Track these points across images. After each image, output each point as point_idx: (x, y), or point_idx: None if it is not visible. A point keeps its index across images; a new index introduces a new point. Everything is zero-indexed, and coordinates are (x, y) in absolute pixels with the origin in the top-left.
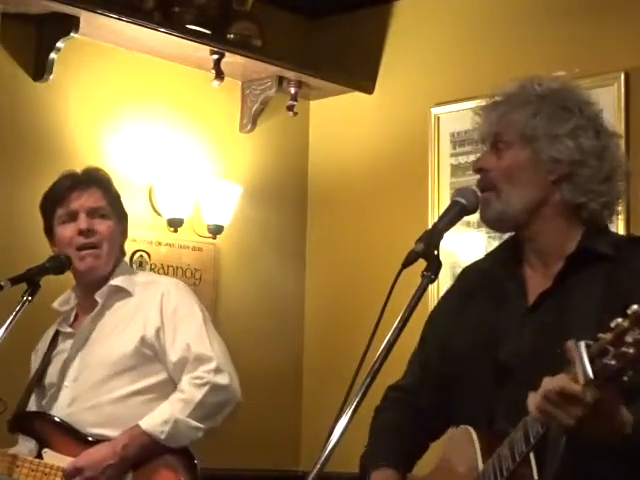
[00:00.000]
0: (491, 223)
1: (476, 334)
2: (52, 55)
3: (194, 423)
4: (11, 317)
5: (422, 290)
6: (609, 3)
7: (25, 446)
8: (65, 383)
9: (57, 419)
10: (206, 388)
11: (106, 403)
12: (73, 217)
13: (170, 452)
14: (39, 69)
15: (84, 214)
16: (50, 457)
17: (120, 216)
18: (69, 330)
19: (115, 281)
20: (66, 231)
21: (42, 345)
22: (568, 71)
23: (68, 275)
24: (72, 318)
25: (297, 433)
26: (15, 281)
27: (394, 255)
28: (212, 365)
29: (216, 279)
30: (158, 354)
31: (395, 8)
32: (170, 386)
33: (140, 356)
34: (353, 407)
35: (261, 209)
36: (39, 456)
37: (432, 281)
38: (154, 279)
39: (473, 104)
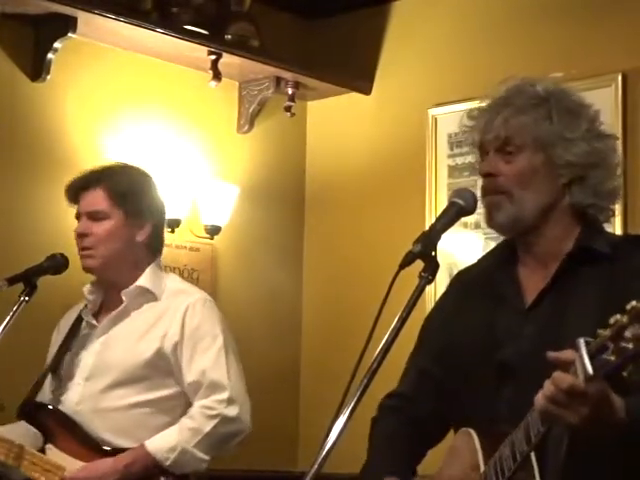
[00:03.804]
0: (503, 226)
1: (475, 336)
2: (50, 55)
3: (199, 454)
4: (8, 317)
5: (420, 291)
6: (606, 4)
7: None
8: (78, 380)
9: (67, 417)
10: (216, 420)
11: (111, 410)
12: (79, 219)
13: (170, 476)
14: (37, 69)
15: (85, 217)
16: (53, 454)
17: (131, 212)
18: (93, 322)
19: (143, 282)
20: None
21: (64, 323)
22: (565, 72)
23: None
24: (97, 308)
25: (295, 433)
26: (12, 281)
27: (392, 256)
28: (224, 395)
29: (213, 280)
30: (173, 369)
31: (393, 9)
32: (178, 401)
33: (153, 368)
34: (351, 407)
35: (259, 210)
36: (42, 450)
37: (429, 282)
38: (184, 288)
39: (471, 105)
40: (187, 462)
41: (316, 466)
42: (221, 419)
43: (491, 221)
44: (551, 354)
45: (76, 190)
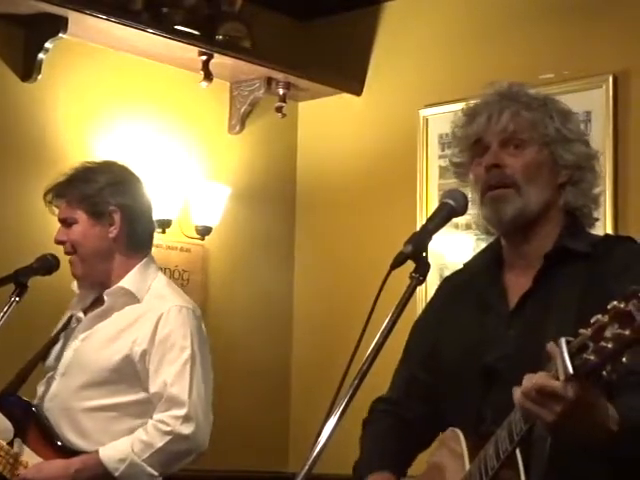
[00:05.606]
0: (507, 220)
1: (461, 341)
2: (40, 56)
3: (148, 469)
4: None
5: (410, 291)
6: (598, 6)
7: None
8: (56, 374)
9: (40, 415)
10: (168, 437)
11: (78, 411)
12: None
13: None
14: (27, 70)
15: (61, 225)
16: (18, 448)
17: (92, 211)
18: (79, 316)
19: (125, 283)
20: None
21: (66, 314)
22: (557, 73)
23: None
24: (88, 304)
25: (285, 434)
26: (2, 282)
27: (383, 256)
28: (181, 412)
29: (204, 280)
30: (140, 375)
31: (384, 10)
32: (148, 405)
33: (120, 373)
34: (342, 408)
35: (249, 210)
36: (11, 443)
37: (420, 283)
38: (165, 293)
39: (462, 106)
40: (135, 475)
41: (307, 467)
42: (174, 436)
43: (496, 215)
44: (549, 345)
45: (49, 203)
